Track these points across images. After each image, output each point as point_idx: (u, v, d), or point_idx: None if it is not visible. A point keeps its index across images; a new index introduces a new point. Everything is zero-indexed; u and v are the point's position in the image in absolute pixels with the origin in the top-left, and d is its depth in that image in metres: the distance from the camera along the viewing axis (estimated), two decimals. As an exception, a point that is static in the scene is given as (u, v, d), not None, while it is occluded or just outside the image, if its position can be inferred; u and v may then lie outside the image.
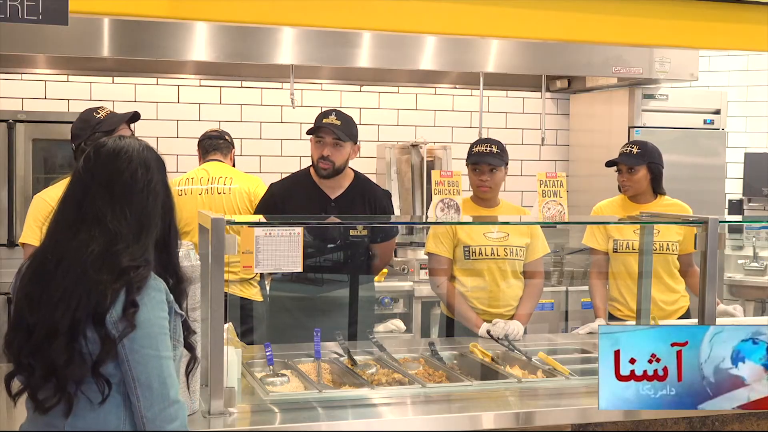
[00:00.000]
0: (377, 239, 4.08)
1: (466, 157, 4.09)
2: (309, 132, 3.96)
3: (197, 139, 4.90)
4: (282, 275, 3.98)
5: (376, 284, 5.33)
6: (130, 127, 3.56)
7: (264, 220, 3.29)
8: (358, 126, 4.03)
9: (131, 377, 2.05)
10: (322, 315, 3.91)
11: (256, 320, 4.38)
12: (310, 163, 4.02)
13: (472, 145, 4.09)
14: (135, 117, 3.59)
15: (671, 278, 4.24)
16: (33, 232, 3.41)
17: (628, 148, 4.27)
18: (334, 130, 3.88)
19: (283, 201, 3.96)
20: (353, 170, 4.06)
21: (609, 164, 4.34)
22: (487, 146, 4.02)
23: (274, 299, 4.16)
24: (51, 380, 2.04)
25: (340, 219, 3.83)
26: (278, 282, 4.12)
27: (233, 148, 4.85)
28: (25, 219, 3.57)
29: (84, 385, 2.05)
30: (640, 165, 4.21)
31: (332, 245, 3.99)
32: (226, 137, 4.83)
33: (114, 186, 2.12)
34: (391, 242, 4.19)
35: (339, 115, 3.96)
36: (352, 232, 3.97)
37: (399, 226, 5.78)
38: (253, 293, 4.42)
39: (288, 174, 4.29)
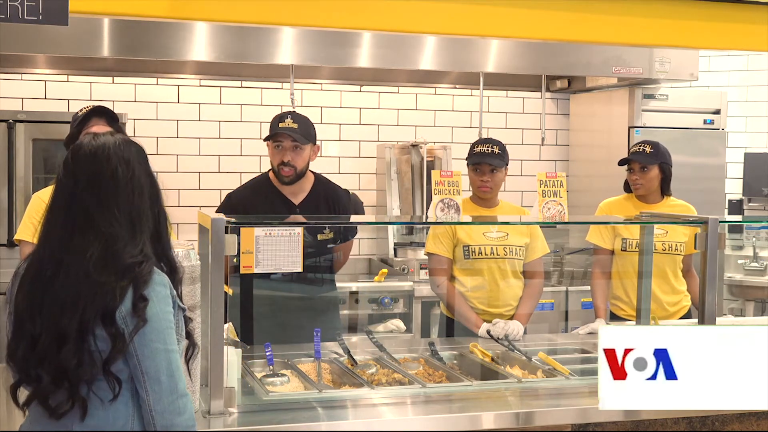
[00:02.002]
0: (341, 240, 4.02)
1: (466, 157, 4.09)
2: (266, 138, 3.84)
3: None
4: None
5: (376, 284, 5.38)
6: (116, 125, 3.45)
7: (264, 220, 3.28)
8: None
9: (140, 371, 2.06)
10: (289, 315, 3.86)
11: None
12: (269, 168, 3.89)
13: (473, 145, 4.09)
14: (102, 111, 3.48)
15: (676, 279, 4.24)
16: (28, 228, 3.43)
17: (641, 147, 4.26)
18: (291, 134, 3.73)
19: (245, 210, 3.75)
20: (312, 171, 3.95)
21: (621, 162, 4.34)
22: (488, 146, 4.02)
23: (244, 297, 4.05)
24: (62, 385, 2.04)
25: (312, 219, 3.73)
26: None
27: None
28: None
29: (94, 385, 2.05)
30: (652, 164, 4.21)
31: (310, 249, 3.83)
32: None
33: (98, 188, 2.10)
34: (351, 242, 4.15)
35: (295, 117, 3.82)
36: (320, 237, 3.86)
37: (396, 226, 5.80)
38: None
39: None
